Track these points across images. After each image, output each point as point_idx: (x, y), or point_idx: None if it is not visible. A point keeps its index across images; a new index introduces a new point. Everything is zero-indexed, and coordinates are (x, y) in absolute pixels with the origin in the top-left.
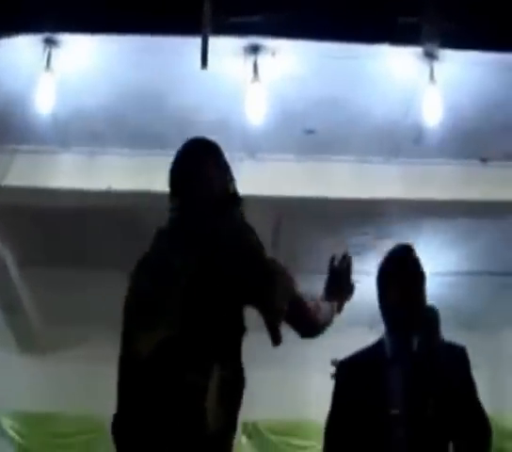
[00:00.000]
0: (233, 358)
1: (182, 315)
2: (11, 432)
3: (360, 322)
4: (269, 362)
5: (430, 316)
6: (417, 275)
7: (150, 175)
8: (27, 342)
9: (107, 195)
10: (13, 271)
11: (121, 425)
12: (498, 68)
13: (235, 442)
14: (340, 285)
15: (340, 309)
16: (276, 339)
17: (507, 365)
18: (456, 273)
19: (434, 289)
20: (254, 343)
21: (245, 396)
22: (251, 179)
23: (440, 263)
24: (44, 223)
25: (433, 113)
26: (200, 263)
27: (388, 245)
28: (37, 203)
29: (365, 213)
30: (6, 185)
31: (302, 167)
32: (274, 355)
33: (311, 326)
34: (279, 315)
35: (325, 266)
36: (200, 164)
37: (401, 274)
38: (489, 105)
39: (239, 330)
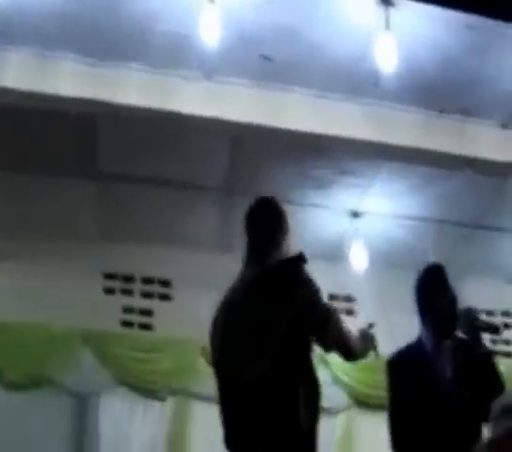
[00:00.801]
0: (312, 376)
1: (276, 352)
2: None
3: (320, 255)
4: None
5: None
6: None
7: (99, 84)
8: None
9: (56, 99)
10: None
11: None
12: (457, 26)
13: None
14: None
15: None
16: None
17: None
18: (416, 218)
19: (395, 231)
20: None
21: (203, 318)
22: (208, 101)
23: (399, 206)
24: None
25: (388, 59)
26: (290, 318)
27: (348, 182)
28: None
29: (324, 148)
30: None
31: (259, 94)
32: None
33: (351, 354)
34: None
35: (282, 194)
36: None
37: (445, 286)
38: (445, 61)
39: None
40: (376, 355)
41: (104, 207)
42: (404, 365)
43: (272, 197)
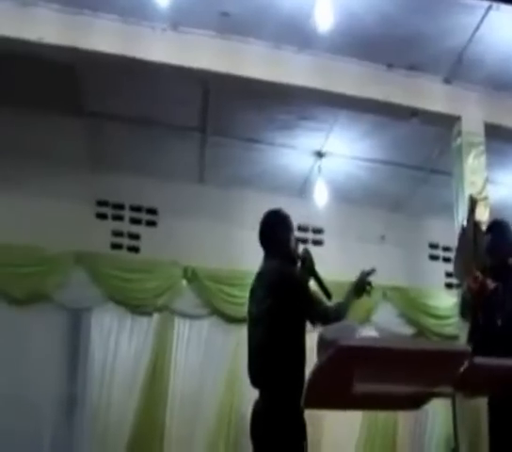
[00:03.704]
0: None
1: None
2: None
3: (291, 190)
4: (216, 216)
5: None
6: None
7: (78, 32)
8: None
9: (38, 46)
10: None
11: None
12: None
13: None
14: (358, 290)
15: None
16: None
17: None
18: (372, 160)
19: (355, 171)
20: (195, 196)
21: (185, 243)
22: (175, 50)
23: (357, 149)
24: None
25: (331, 16)
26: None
27: (311, 126)
28: None
29: (282, 95)
30: None
31: (221, 45)
32: (211, 209)
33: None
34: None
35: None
36: (274, 230)
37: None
38: (390, 19)
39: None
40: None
41: (92, 142)
42: None
43: (278, 209)
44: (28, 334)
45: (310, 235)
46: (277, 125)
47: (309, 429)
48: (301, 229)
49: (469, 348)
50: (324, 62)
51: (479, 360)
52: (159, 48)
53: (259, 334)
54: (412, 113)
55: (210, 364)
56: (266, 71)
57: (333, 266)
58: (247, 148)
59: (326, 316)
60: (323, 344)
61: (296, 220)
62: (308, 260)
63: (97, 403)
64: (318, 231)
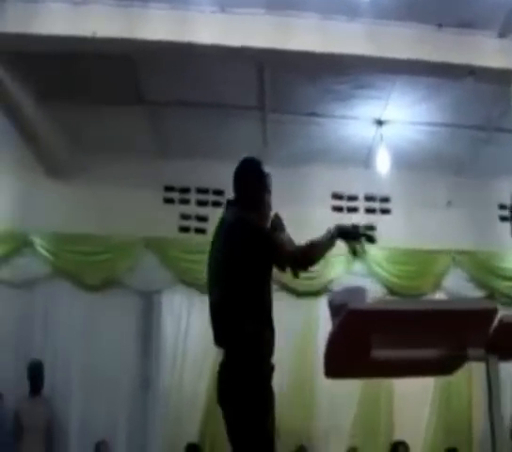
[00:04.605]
0: (261, 300)
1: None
2: (43, 252)
3: (356, 161)
4: (280, 193)
5: None
6: None
7: (130, 23)
8: (55, 168)
9: (94, 41)
10: (30, 107)
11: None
12: None
13: None
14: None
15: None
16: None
17: (490, 208)
18: (434, 124)
19: (416, 137)
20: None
21: None
22: (225, 31)
23: (415, 114)
24: (45, 64)
25: None
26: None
27: (368, 95)
28: (30, 49)
29: (338, 65)
30: (3, 32)
31: (270, 21)
32: (277, 188)
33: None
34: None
35: (313, 108)
36: (243, 176)
37: None
38: None
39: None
40: (363, 252)
41: (154, 129)
42: None
43: (251, 158)
44: (103, 318)
45: (377, 205)
46: (334, 97)
47: (381, 394)
48: (368, 199)
49: (495, 306)
50: (374, 29)
51: (509, 318)
52: (210, 31)
53: (218, 289)
54: (469, 72)
55: (279, 340)
56: (318, 43)
57: (402, 234)
58: (307, 122)
59: (294, 259)
60: (333, 309)
61: (362, 190)
62: (278, 226)
63: (169, 382)
64: (385, 199)
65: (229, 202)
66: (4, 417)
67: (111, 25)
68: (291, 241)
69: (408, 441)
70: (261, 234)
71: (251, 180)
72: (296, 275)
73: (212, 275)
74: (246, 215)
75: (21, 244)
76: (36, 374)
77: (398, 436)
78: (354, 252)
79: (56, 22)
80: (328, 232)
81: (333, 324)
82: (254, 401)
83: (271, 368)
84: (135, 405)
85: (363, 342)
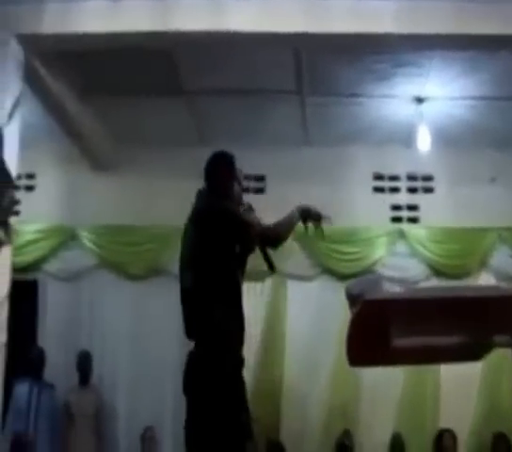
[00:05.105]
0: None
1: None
2: (89, 244)
3: (397, 140)
4: (323, 176)
5: None
6: None
7: (166, 16)
8: (99, 162)
9: (131, 36)
10: (72, 104)
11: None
12: None
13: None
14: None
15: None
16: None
17: None
18: (475, 98)
19: (457, 112)
20: (301, 159)
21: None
22: (260, 16)
23: (456, 89)
24: (84, 61)
25: None
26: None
27: (407, 72)
28: (70, 47)
29: (375, 45)
30: (42, 33)
31: (304, 4)
32: (318, 170)
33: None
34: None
35: (352, 89)
36: (214, 168)
37: None
38: None
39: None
40: (323, 237)
41: (195, 118)
42: None
43: (223, 152)
44: (148, 307)
45: (419, 184)
46: (373, 77)
47: (428, 379)
48: (410, 178)
49: None
50: (408, 5)
51: None
52: (245, 17)
53: (189, 275)
54: (507, 41)
55: (323, 324)
56: (353, 23)
57: (445, 212)
58: (346, 103)
59: (265, 236)
60: (350, 300)
61: (403, 170)
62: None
63: None
64: (428, 178)
65: (200, 192)
66: (55, 406)
67: (147, 19)
68: (260, 223)
69: (454, 427)
70: (230, 214)
71: (222, 171)
72: (272, 268)
73: (183, 262)
74: (215, 200)
75: (67, 237)
76: (85, 364)
77: (444, 423)
78: (318, 233)
79: (94, 19)
80: (293, 212)
81: (351, 313)
82: (215, 393)
83: (239, 360)
84: (180, 392)
85: (382, 331)
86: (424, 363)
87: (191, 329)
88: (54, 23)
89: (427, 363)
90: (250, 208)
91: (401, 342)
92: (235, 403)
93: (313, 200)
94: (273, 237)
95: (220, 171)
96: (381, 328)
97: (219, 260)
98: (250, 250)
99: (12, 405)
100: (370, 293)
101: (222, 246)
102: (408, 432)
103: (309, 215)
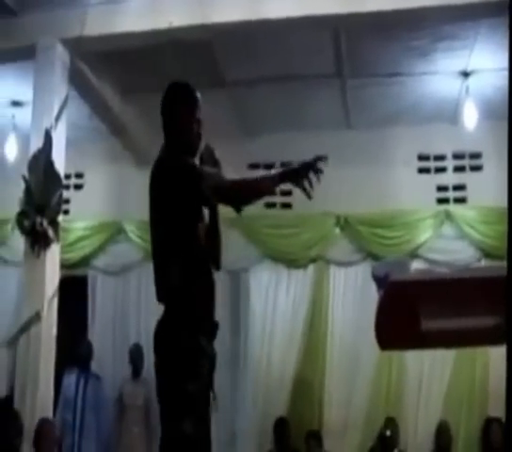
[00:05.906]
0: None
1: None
2: (136, 238)
3: (442, 117)
4: (367, 158)
5: None
6: None
7: (203, 9)
8: (143, 158)
9: (171, 31)
10: (116, 102)
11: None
12: None
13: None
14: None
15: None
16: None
17: None
18: None
19: (505, 84)
20: (344, 143)
21: (335, 192)
22: (296, 1)
23: (503, 59)
24: (126, 60)
25: None
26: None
27: (450, 46)
28: (112, 47)
29: (414, 21)
30: (85, 35)
31: None
32: (360, 153)
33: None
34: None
35: (392, 69)
36: (167, 107)
37: None
38: None
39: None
40: (310, 197)
41: (238, 108)
42: None
43: (177, 82)
44: None
45: (466, 162)
46: (414, 53)
47: (476, 367)
48: (457, 157)
49: None
50: None
51: None
52: (280, 3)
53: (154, 241)
54: None
55: (366, 310)
56: (389, 0)
57: (494, 191)
58: (387, 83)
59: (222, 192)
60: (376, 281)
61: (450, 149)
62: (209, 158)
63: (258, 358)
64: (475, 156)
65: (161, 147)
66: (101, 396)
67: (185, 14)
68: (220, 175)
69: (503, 415)
70: (180, 169)
71: (176, 110)
72: (238, 211)
73: (150, 225)
74: (168, 156)
75: (115, 232)
76: (136, 357)
77: (492, 411)
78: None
79: (134, 19)
80: (270, 174)
81: (379, 296)
82: (165, 360)
83: (200, 328)
84: (224, 381)
85: (412, 313)
86: (456, 347)
87: (159, 292)
88: (95, 25)
89: (460, 347)
90: (209, 150)
91: (432, 324)
92: (182, 372)
93: (356, 183)
94: (231, 194)
95: (175, 112)
96: (410, 310)
97: (175, 218)
98: (203, 203)
99: (62, 394)
100: (396, 274)
101: (175, 202)
102: (456, 420)
103: (297, 174)
